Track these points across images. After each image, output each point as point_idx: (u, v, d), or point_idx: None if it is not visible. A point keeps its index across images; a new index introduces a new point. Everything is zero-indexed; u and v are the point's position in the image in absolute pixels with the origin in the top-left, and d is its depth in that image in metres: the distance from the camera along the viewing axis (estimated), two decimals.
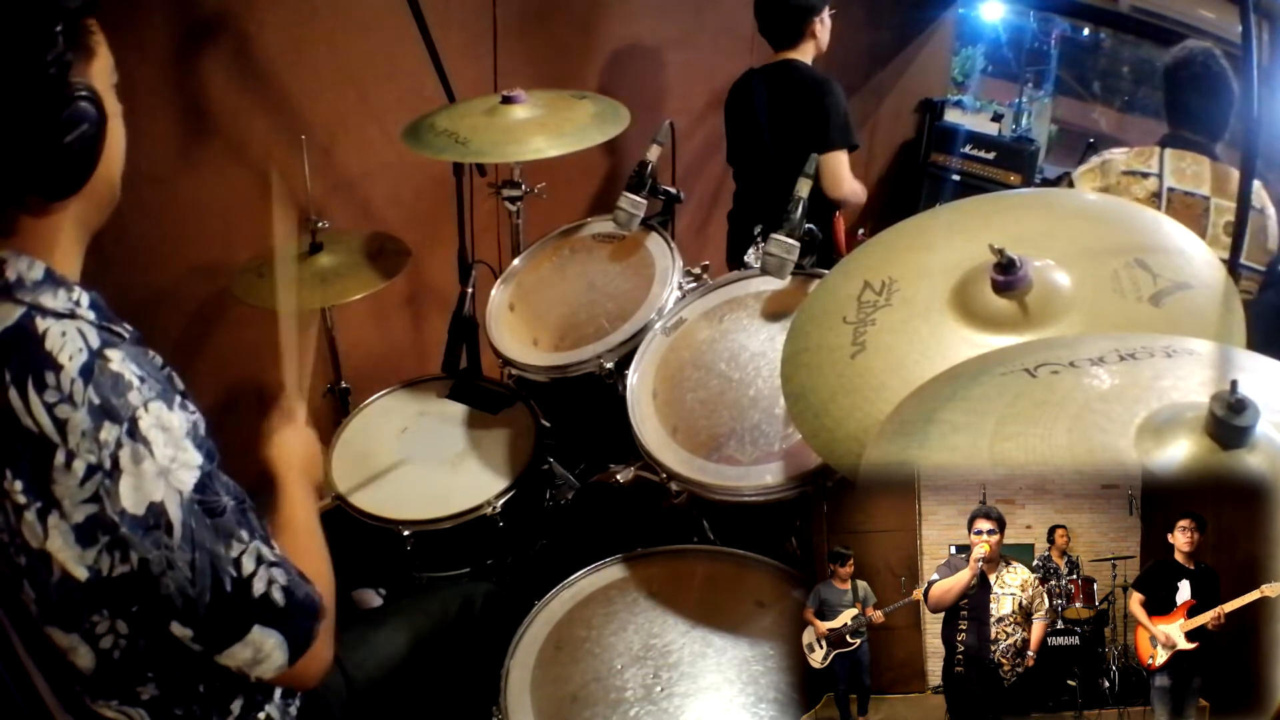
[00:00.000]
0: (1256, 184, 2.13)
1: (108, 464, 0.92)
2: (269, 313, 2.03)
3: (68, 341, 0.95)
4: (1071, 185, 2.39)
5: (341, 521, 1.81)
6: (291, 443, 1.32)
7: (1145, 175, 2.21)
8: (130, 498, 0.93)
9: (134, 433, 0.93)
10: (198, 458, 0.97)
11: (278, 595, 1.02)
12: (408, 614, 1.52)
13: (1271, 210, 2.21)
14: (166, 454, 0.95)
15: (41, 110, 0.91)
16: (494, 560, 1.88)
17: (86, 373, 0.93)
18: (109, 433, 0.92)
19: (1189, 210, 2.18)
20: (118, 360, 0.96)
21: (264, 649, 1.01)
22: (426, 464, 1.92)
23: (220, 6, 2.36)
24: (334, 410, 2.43)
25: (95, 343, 0.96)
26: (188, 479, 0.96)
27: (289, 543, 1.12)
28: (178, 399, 1.00)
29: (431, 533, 1.78)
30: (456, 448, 1.95)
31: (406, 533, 1.76)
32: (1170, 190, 2.20)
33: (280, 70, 2.48)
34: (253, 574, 1.00)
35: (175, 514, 0.94)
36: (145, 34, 2.24)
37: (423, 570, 1.83)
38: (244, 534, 1.00)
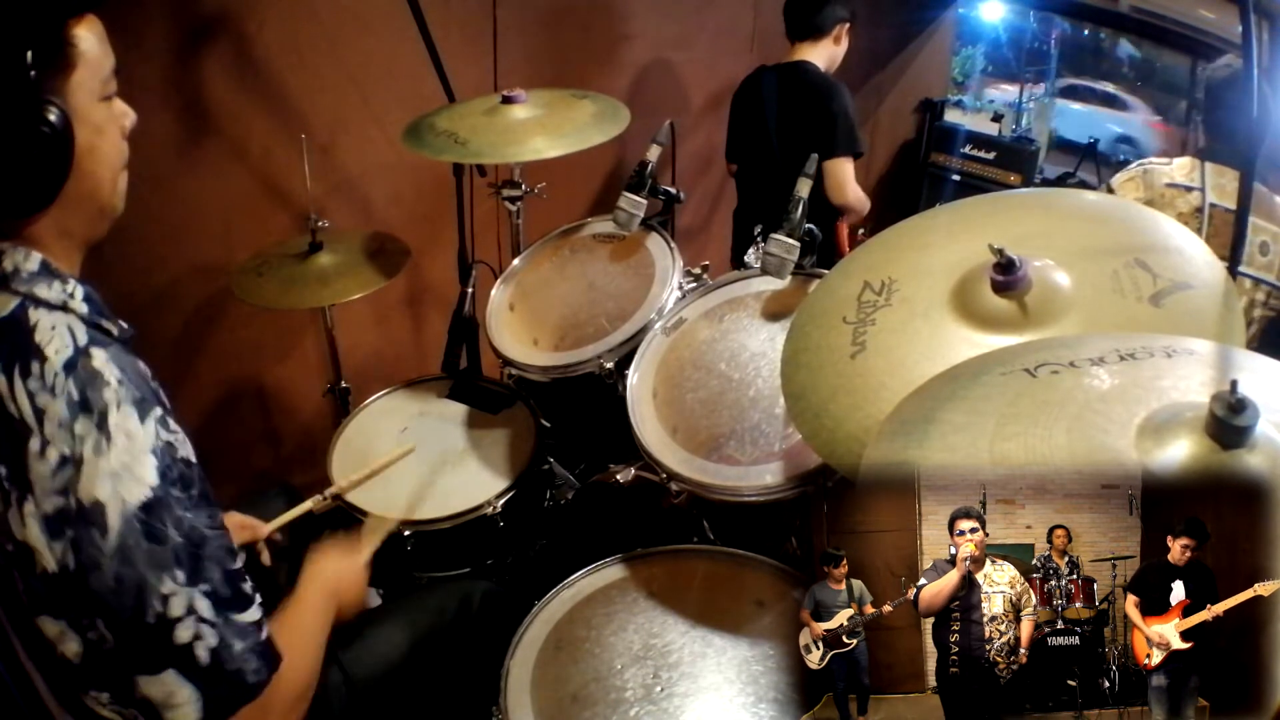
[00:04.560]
0: None
1: (77, 455, 0.92)
2: (269, 312, 2.04)
3: (56, 336, 0.96)
4: (1111, 193, 2.36)
5: (341, 521, 1.81)
6: (339, 570, 1.31)
7: (1189, 189, 2.18)
8: (83, 488, 0.92)
9: (102, 426, 0.93)
10: (153, 477, 0.95)
11: (202, 653, 0.97)
12: (407, 613, 1.52)
13: None
14: (122, 459, 0.94)
15: None
16: (494, 560, 1.87)
17: (69, 368, 0.94)
18: (83, 426, 0.93)
19: (1229, 228, 2.14)
20: (100, 360, 0.96)
21: (176, 697, 0.97)
22: (426, 464, 1.92)
23: (220, 6, 2.36)
24: (334, 410, 2.43)
25: (82, 340, 0.97)
26: (136, 493, 0.94)
27: (282, 636, 1.07)
28: (157, 412, 0.98)
29: (431, 533, 1.78)
30: (456, 448, 1.95)
31: (406, 532, 1.76)
32: (1212, 206, 2.16)
33: (280, 70, 2.48)
34: (178, 619, 0.95)
35: (114, 521, 0.93)
36: (145, 34, 2.24)
37: (423, 570, 1.83)
38: (181, 576, 0.95)
